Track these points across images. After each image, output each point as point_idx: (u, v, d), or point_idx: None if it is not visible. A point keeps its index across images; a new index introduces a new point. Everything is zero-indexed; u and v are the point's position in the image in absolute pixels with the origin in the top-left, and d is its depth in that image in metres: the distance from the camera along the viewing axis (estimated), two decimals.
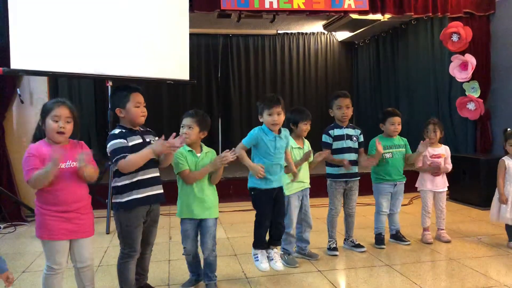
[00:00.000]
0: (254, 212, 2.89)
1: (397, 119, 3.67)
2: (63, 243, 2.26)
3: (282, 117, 2.82)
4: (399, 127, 3.68)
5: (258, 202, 2.86)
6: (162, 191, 2.58)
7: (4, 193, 4.59)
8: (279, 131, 2.86)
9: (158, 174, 2.57)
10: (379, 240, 3.66)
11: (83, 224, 2.30)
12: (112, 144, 2.38)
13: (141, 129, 2.57)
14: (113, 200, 2.48)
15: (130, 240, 2.47)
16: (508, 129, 3.71)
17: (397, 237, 3.77)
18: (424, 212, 3.80)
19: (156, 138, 2.53)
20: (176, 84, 6.31)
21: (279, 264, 2.86)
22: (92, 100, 7.77)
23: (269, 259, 2.87)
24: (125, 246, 2.48)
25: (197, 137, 2.72)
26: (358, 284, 2.89)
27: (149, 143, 2.49)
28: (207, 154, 2.78)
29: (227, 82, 9.01)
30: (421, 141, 3.66)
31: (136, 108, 2.47)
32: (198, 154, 2.73)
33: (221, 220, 4.43)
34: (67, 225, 2.24)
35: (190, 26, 5.14)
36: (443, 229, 3.82)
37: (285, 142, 2.90)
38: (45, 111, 2.25)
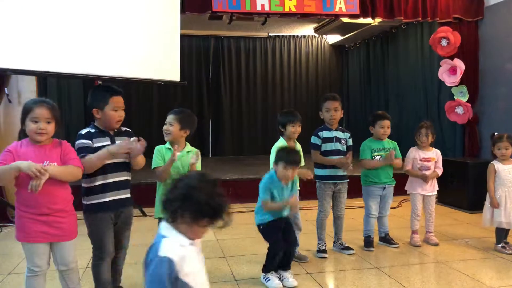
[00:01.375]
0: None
1: (387, 123, 3.69)
2: (42, 246, 2.20)
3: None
4: (389, 130, 3.70)
5: (269, 234, 2.94)
6: (129, 195, 2.55)
7: None
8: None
9: (126, 178, 2.53)
10: (368, 242, 3.68)
11: (63, 228, 2.22)
12: (76, 144, 2.37)
13: (116, 130, 2.51)
14: (82, 202, 2.44)
15: (99, 242, 2.43)
16: (496, 133, 3.74)
17: (386, 239, 3.79)
18: (414, 215, 3.82)
19: (132, 139, 2.46)
20: (167, 85, 6.28)
21: (291, 280, 2.91)
22: (82, 100, 7.68)
23: (282, 278, 2.91)
24: (96, 248, 2.45)
25: (178, 135, 2.71)
26: (347, 287, 2.89)
27: None
28: (188, 153, 2.76)
29: (218, 84, 9.01)
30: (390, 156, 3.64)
31: (114, 112, 2.42)
32: (178, 153, 2.69)
33: None
34: (46, 228, 2.17)
35: (181, 27, 5.12)
36: (431, 232, 3.84)
37: (292, 190, 2.97)
38: (25, 112, 2.18)
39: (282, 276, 2.93)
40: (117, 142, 2.45)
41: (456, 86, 5.66)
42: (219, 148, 9.01)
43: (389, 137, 3.79)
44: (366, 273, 3.13)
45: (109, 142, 2.43)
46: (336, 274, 3.19)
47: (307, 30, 8.73)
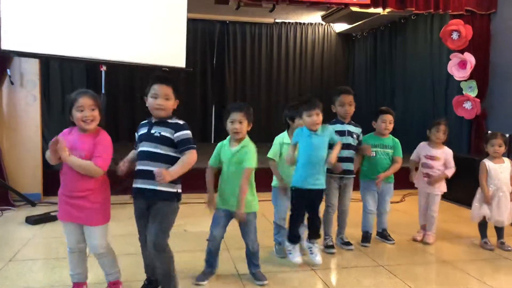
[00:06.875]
0: None
1: (389, 117, 3.58)
2: (69, 225, 2.37)
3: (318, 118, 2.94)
4: (391, 126, 3.59)
5: (294, 199, 3.04)
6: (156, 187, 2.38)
7: None
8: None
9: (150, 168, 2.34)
10: (365, 238, 3.64)
11: (86, 213, 2.33)
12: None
13: (156, 120, 2.41)
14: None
15: None
16: (489, 132, 3.72)
17: (383, 235, 3.75)
18: (419, 211, 3.81)
19: (179, 132, 2.35)
20: (171, 70, 6.18)
21: (318, 258, 3.04)
22: (84, 85, 7.59)
23: (310, 252, 3.05)
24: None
25: (246, 131, 2.70)
26: (349, 282, 2.86)
27: (152, 134, 2.36)
28: (242, 148, 2.69)
29: (223, 69, 8.91)
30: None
31: (152, 99, 2.37)
32: (232, 148, 2.69)
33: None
34: (70, 208, 2.32)
35: (187, 11, 5.02)
36: (429, 232, 3.75)
37: (323, 138, 2.97)
38: (70, 103, 2.30)
39: (311, 250, 3.06)
40: (151, 131, 2.37)
41: (465, 80, 5.57)
42: (222, 135, 8.89)
43: (394, 130, 3.67)
44: (370, 270, 3.10)
45: (145, 131, 2.40)
46: (339, 270, 3.16)
47: (314, 17, 8.59)
